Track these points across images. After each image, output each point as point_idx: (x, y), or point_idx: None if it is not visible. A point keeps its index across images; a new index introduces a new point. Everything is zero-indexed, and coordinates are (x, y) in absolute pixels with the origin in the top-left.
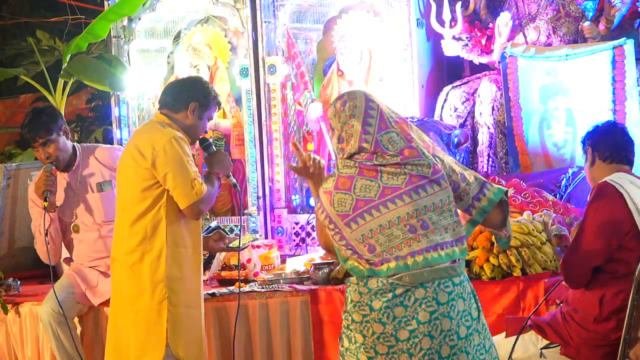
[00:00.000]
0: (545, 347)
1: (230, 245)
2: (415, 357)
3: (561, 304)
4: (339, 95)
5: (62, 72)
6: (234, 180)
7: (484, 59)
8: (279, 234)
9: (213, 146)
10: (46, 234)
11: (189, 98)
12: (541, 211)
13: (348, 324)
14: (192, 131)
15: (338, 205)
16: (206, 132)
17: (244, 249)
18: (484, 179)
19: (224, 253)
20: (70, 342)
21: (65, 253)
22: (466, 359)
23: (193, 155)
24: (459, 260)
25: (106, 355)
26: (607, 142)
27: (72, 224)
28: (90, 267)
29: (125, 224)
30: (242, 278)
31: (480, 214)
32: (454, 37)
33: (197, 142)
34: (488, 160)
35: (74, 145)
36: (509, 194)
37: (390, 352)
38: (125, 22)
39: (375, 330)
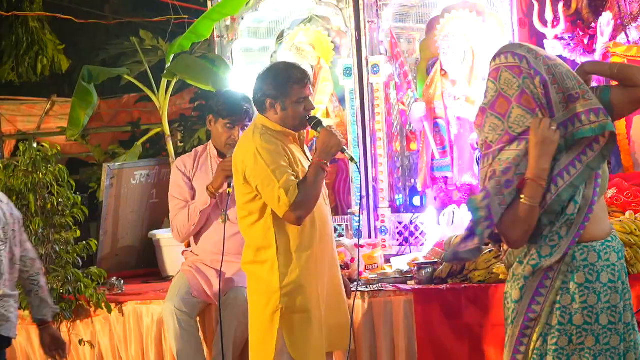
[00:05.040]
0: None
1: None
2: None
3: None
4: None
5: (165, 71)
6: (350, 154)
7: (586, 59)
8: (383, 234)
9: (321, 124)
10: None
11: (262, 97)
12: None
13: None
14: (288, 122)
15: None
16: (309, 110)
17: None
18: None
19: None
20: (197, 340)
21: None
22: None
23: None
24: None
25: None
26: None
27: (222, 213)
28: (209, 265)
29: (243, 236)
30: (347, 277)
31: None
32: (556, 37)
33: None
34: None
35: None
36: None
37: None
38: (228, 22)
39: None
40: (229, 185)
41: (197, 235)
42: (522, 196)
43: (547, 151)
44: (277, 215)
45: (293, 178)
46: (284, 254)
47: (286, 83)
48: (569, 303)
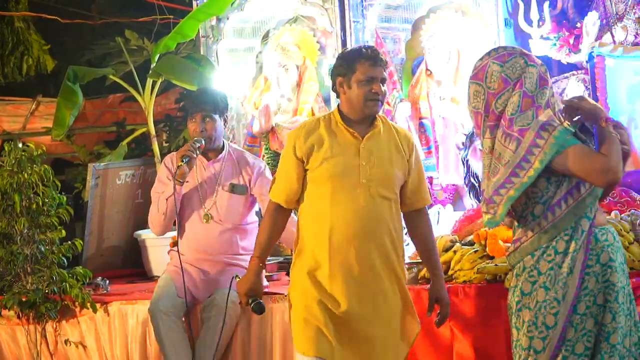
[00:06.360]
0: None
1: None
2: None
3: None
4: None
5: (150, 71)
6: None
7: (571, 59)
8: None
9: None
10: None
11: (334, 77)
12: (629, 211)
13: None
14: (355, 107)
15: None
16: (376, 93)
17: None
18: None
19: None
20: (182, 340)
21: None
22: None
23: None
24: None
25: None
26: None
27: (204, 213)
28: (194, 265)
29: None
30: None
31: None
32: (541, 37)
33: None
34: None
35: (224, 140)
36: None
37: None
38: (213, 22)
39: None
40: (182, 161)
41: (182, 235)
42: (612, 132)
43: None
44: (299, 206)
45: (281, 186)
46: (297, 247)
47: (355, 58)
48: (594, 285)
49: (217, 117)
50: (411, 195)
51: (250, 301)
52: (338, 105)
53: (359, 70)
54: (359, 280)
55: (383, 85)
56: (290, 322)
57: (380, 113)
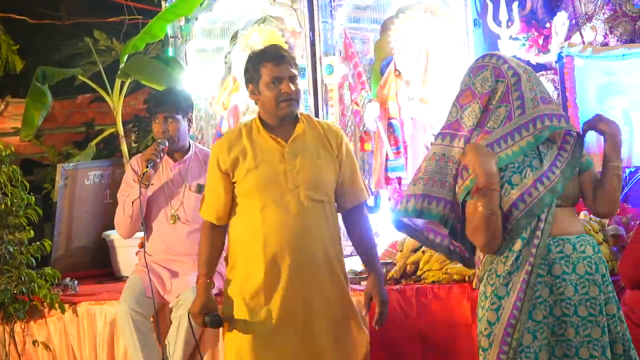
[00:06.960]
0: None
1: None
2: None
3: None
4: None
5: (119, 72)
6: None
7: (541, 59)
8: None
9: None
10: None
11: (246, 85)
12: None
13: None
14: (269, 111)
15: None
16: (287, 93)
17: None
18: None
19: None
20: (151, 341)
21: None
22: None
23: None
24: None
25: None
26: None
27: (172, 214)
28: (163, 265)
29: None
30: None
31: None
32: (510, 37)
33: None
34: None
35: (190, 140)
36: None
37: None
38: (182, 22)
39: None
40: (147, 167)
41: (149, 236)
42: (478, 204)
43: (488, 156)
44: (231, 219)
45: (210, 203)
46: (230, 263)
47: (258, 61)
48: (548, 295)
49: (179, 117)
50: (344, 192)
51: (205, 319)
52: (258, 112)
53: (264, 73)
54: (298, 290)
55: (293, 83)
56: (224, 343)
57: (348, 114)
